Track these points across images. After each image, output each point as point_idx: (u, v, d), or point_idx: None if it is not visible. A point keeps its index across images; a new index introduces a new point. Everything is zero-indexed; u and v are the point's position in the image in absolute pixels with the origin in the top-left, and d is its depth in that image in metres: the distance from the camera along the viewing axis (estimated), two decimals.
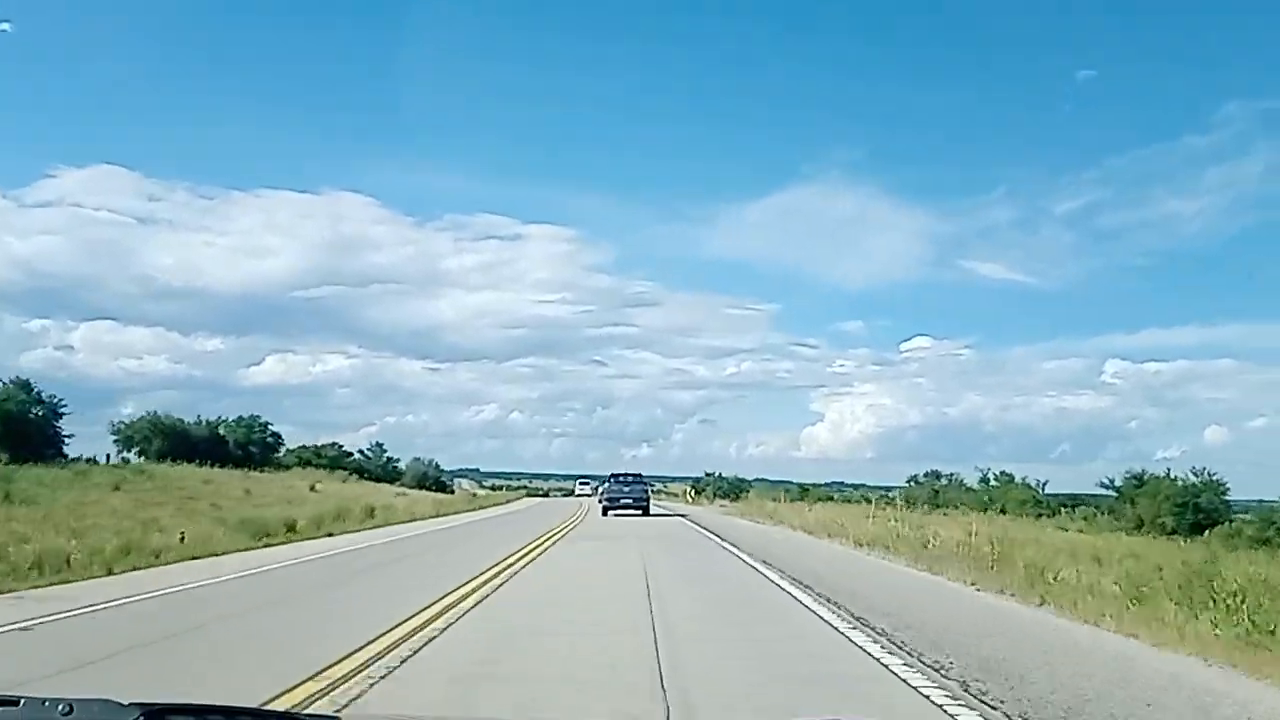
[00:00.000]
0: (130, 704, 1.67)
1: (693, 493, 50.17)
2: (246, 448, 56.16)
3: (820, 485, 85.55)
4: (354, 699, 5.52)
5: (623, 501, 35.46)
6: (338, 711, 4.92)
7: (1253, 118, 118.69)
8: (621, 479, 37.73)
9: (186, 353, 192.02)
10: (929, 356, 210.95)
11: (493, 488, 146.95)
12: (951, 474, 65.70)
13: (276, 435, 63.57)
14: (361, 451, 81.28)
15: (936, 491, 60.36)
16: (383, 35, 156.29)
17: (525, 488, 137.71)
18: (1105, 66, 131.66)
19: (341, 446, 77.14)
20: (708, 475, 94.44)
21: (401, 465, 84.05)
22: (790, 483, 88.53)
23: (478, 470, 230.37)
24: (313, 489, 39.13)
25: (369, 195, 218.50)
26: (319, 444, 73.53)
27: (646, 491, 37.60)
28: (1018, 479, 56.36)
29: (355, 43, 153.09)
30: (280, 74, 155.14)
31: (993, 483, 56.95)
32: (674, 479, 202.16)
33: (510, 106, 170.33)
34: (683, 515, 36.15)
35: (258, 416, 62.26)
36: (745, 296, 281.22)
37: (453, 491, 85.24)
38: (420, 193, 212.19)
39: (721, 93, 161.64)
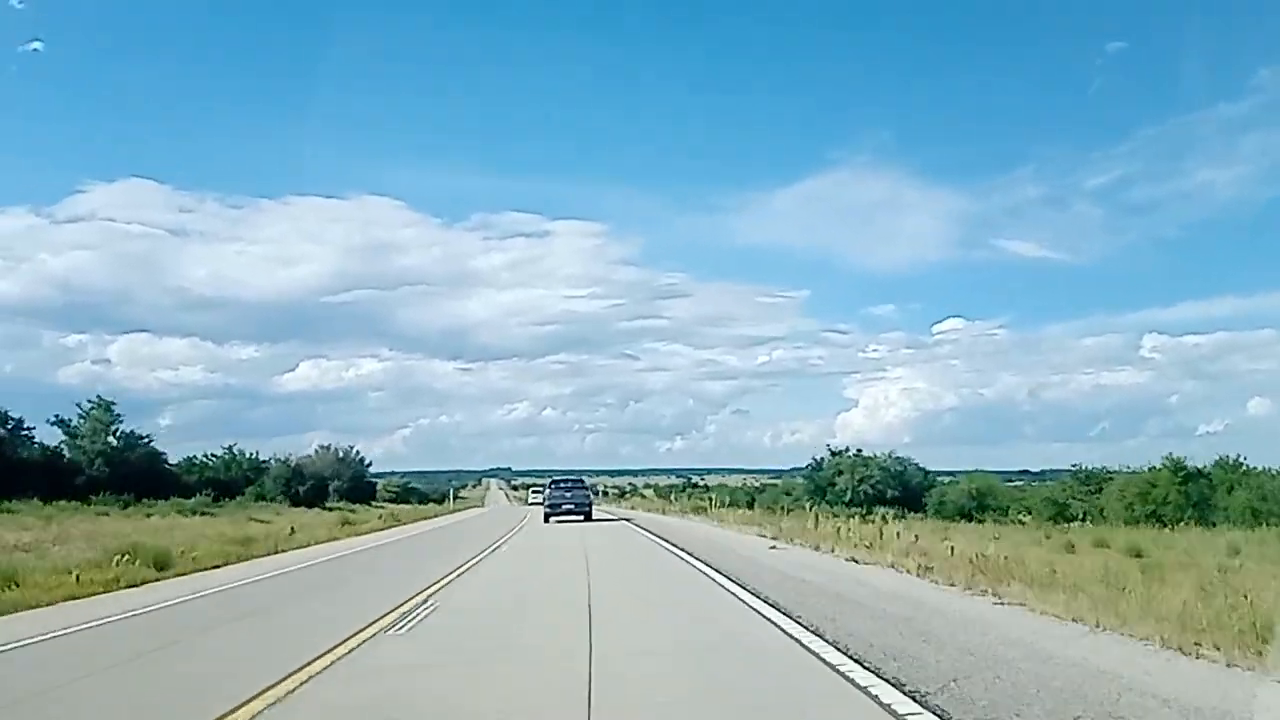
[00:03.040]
0: None
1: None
2: None
3: None
4: None
5: (564, 508, 34.92)
6: None
7: None
8: (562, 484, 37.47)
9: (221, 362, 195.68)
10: (962, 338, 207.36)
11: (517, 487, 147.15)
12: None
13: None
14: (63, 422, 46.27)
15: None
16: (402, 39, 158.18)
17: (530, 487, 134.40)
18: (1136, 37, 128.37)
19: None
20: (835, 455, 50.13)
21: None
22: (1014, 473, 64.66)
23: (510, 469, 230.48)
24: None
25: (396, 198, 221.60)
26: None
27: (589, 497, 37.37)
28: None
29: (375, 47, 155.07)
30: (302, 82, 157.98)
31: None
32: (710, 471, 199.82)
33: (534, 105, 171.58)
34: None
35: None
36: (775, 284, 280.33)
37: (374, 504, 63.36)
38: (447, 193, 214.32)
39: (747, 82, 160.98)
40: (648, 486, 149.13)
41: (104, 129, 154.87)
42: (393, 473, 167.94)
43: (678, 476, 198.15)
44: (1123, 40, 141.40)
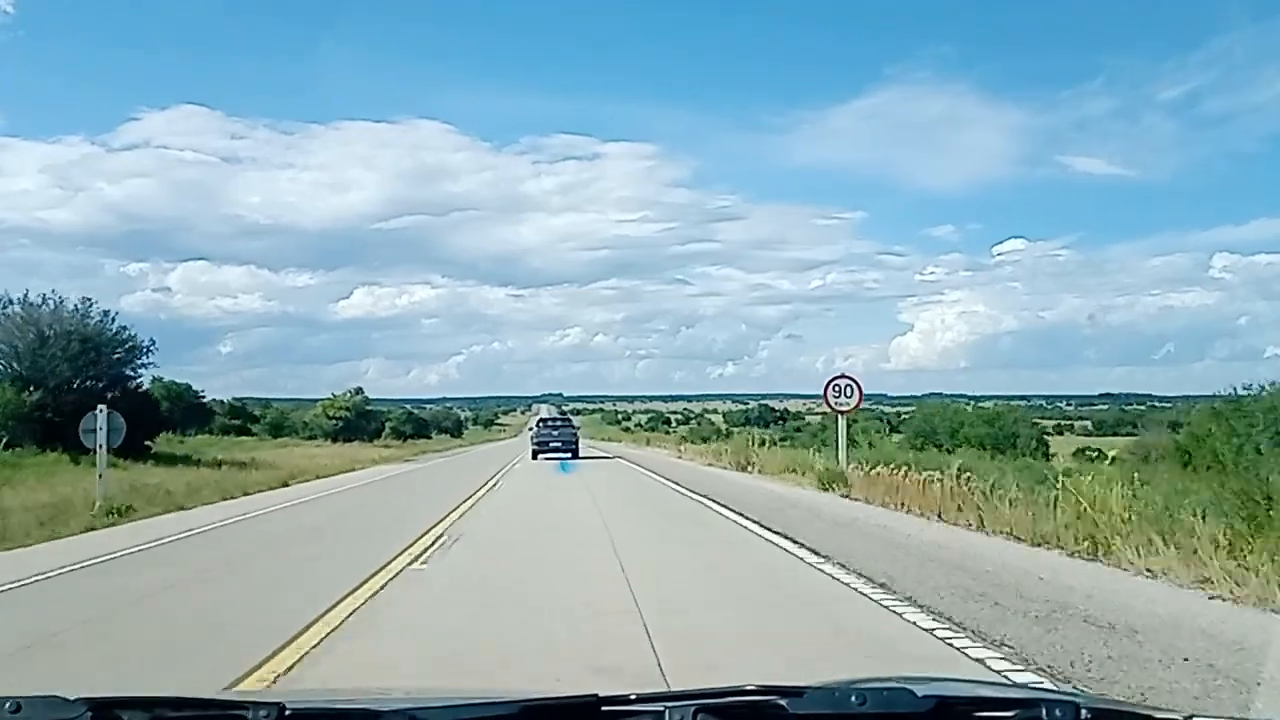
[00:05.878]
0: (77, 699, 1.70)
1: None
2: None
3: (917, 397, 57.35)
4: None
5: (552, 445, 36.53)
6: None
7: None
8: (550, 423, 39.75)
9: (278, 289, 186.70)
10: (1024, 259, 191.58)
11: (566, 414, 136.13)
12: None
13: None
14: None
15: None
16: None
17: (601, 411, 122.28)
18: None
19: None
20: None
21: None
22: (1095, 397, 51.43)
23: (561, 395, 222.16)
24: None
25: (445, 122, 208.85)
26: None
27: (575, 435, 38.91)
28: None
29: None
30: (349, 6, 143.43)
31: None
32: (763, 396, 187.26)
33: (583, 24, 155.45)
34: None
35: None
36: (830, 206, 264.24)
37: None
38: (497, 116, 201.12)
39: None
40: (712, 412, 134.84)
41: (156, 56, 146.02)
42: (446, 399, 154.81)
43: (732, 402, 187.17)
44: None
